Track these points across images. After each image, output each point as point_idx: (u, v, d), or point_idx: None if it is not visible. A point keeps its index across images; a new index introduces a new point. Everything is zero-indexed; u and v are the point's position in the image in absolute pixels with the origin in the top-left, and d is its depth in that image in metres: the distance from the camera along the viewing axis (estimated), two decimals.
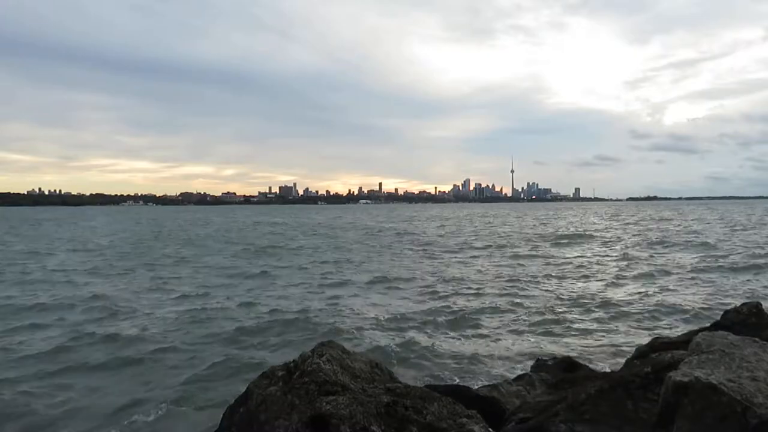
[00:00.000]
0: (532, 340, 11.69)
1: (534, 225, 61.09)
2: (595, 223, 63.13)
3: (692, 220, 67.30)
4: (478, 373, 9.56)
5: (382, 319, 13.57)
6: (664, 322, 12.87)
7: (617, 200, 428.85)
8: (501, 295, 16.69)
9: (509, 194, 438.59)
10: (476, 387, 7.24)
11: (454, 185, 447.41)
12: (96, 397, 8.64)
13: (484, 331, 12.40)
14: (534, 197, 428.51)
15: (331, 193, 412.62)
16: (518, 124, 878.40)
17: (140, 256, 30.47)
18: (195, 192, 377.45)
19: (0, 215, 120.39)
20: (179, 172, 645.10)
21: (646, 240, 36.42)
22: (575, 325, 12.78)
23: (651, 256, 26.36)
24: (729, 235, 40.35)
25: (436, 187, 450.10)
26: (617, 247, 32.06)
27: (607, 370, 8.39)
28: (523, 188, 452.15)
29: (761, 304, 6.80)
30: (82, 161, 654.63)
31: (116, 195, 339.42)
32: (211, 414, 7.58)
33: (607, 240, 38.01)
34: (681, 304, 14.49)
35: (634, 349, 7.86)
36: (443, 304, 15.52)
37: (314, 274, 22.11)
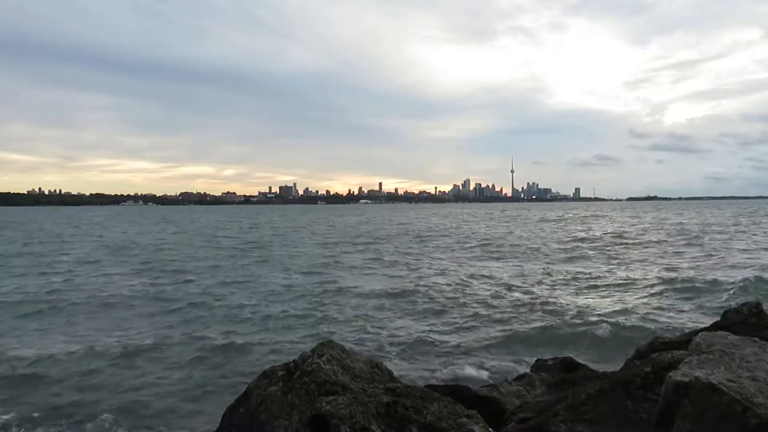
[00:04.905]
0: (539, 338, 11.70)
1: None
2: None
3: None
4: (478, 372, 9.56)
5: None
6: None
7: (617, 200, 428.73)
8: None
9: (509, 194, 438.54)
10: (476, 387, 7.24)
11: (454, 185, 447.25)
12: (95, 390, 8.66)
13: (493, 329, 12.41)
14: (534, 197, 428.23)
15: (331, 193, 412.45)
16: (518, 124, 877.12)
17: None
18: (195, 192, 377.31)
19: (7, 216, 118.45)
20: (179, 172, 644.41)
21: None
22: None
23: None
24: None
25: (436, 187, 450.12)
26: None
27: (607, 370, 8.38)
28: (523, 188, 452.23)
29: (761, 304, 6.81)
30: (82, 161, 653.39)
31: (116, 195, 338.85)
32: (211, 414, 7.59)
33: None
34: None
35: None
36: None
37: None
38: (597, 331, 12.07)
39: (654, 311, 14.04)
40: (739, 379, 3.71)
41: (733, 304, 9.75)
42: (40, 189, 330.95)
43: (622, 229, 50.31)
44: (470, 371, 9.63)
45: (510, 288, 18.06)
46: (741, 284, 16.80)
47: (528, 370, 8.39)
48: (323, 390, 4.97)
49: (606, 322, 12.69)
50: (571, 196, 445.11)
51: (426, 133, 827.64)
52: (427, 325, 13.03)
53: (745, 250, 28.82)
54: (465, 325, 13.04)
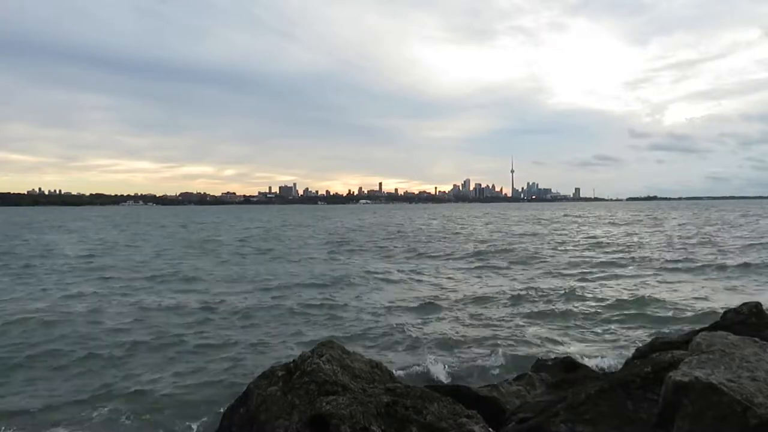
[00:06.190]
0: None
1: None
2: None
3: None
4: (478, 372, 9.56)
5: None
6: None
7: (617, 200, 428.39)
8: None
9: (509, 194, 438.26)
10: (476, 387, 7.23)
11: (454, 185, 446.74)
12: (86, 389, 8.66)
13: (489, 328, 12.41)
14: (534, 197, 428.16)
15: (331, 193, 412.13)
16: (518, 124, 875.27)
17: None
18: (195, 192, 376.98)
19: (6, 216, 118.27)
20: (179, 173, 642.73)
21: None
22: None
23: None
24: None
25: (436, 187, 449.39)
26: None
27: (607, 370, 8.39)
28: (523, 188, 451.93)
29: (761, 304, 6.81)
30: (82, 161, 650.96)
31: (116, 195, 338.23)
32: (211, 414, 7.60)
33: None
34: None
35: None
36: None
37: None
38: (598, 333, 12.08)
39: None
40: (739, 379, 3.72)
41: None
42: (40, 189, 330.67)
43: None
44: (470, 371, 9.62)
45: (513, 291, 18.07)
46: None
47: (528, 370, 8.39)
48: (323, 390, 4.96)
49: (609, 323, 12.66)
50: (571, 196, 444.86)
51: (426, 133, 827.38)
52: (427, 327, 13.03)
53: None
54: (466, 326, 13.04)
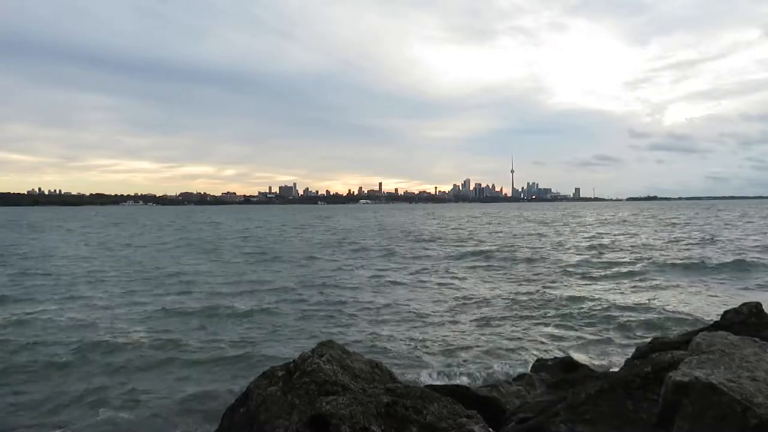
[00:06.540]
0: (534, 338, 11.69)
1: None
2: None
3: None
4: (478, 372, 9.56)
5: None
6: None
7: (617, 200, 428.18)
8: None
9: (509, 194, 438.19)
10: (476, 387, 7.23)
11: (454, 185, 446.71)
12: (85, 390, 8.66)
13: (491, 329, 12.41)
14: (534, 197, 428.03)
15: (331, 193, 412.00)
16: (518, 124, 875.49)
17: None
18: (195, 192, 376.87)
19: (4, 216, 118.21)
20: (179, 172, 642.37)
21: None
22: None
23: None
24: None
25: (436, 187, 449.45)
26: None
27: (607, 370, 8.39)
28: (523, 188, 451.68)
29: (761, 304, 6.80)
30: (82, 161, 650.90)
31: (116, 195, 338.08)
32: (211, 414, 7.60)
33: None
34: None
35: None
36: None
37: None
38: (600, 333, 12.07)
39: None
40: (739, 379, 3.71)
41: None
42: (40, 189, 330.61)
43: None
44: (470, 371, 9.63)
45: (514, 291, 18.07)
46: None
47: (528, 370, 8.39)
48: (323, 390, 4.96)
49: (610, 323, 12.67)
50: (571, 196, 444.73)
51: (426, 133, 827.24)
52: (428, 327, 13.04)
53: None
54: (466, 326, 13.05)
